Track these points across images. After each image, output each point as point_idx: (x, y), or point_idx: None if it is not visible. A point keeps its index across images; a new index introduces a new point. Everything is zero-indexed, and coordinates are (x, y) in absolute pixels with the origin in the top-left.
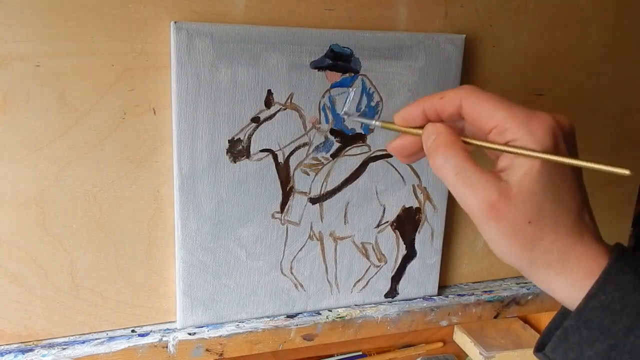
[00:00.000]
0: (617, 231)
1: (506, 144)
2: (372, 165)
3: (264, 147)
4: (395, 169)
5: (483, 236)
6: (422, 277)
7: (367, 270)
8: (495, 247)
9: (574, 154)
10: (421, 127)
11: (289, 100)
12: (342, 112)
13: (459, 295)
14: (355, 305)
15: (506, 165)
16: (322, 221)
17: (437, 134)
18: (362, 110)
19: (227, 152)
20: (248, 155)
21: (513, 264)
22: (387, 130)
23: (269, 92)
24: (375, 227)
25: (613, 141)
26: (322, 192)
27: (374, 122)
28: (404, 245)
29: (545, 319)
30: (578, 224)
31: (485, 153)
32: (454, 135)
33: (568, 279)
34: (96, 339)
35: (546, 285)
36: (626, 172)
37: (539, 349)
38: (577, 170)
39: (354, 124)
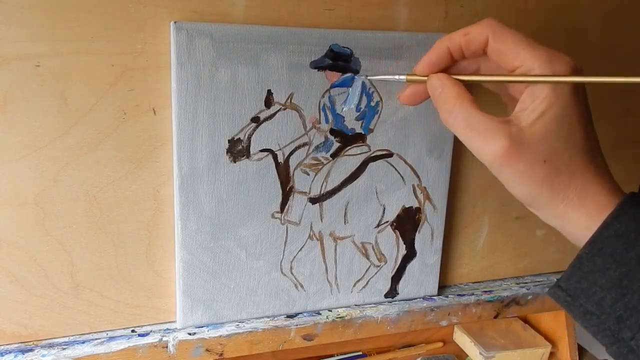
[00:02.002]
0: None
1: (525, 74)
2: (372, 165)
3: (264, 147)
4: (395, 169)
5: (500, 180)
6: (422, 277)
7: (367, 270)
8: (512, 189)
9: (584, 93)
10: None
11: (289, 100)
12: (364, 76)
13: (459, 295)
14: (355, 305)
15: (521, 108)
16: (322, 221)
17: (442, 87)
18: (362, 110)
19: (227, 152)
20: (248, 155)
21: (532, 203)
22: (383, 126)
23: (269, 92)
24: (375, 227)
25: (613, 141)
26: (322, 192)
27: (396, 77)
28: (404, 245)
29: (545, 319)
30: (592, 162)
31: (500, 95)
32: (459, 85)
33: (584, 214)
34: (96, 339)
35: (563, 221)
36: None
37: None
38: (588, 113)
39: (353, 124)
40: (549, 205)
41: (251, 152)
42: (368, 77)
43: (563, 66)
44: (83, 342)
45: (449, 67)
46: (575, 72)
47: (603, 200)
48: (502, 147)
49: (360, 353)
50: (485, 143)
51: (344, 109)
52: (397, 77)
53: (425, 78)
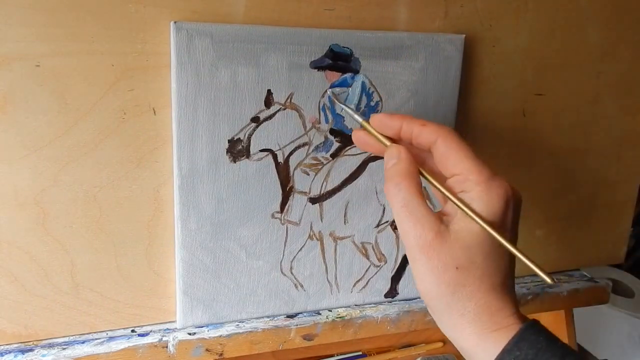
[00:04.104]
0: (617, 231)
1: (460, 193)
2: (372, 165)
3: (264, 147)
4: None
5: (412, 269)
6: None
7: (367, 270)
8: (419, 281)
9: (516, 223)
10: (392, 140)
11: (289, 100)
12: (330, 92)
13: None
14: (355, 305)
15: (451, 211)
16: (322, 221)
17: (399, 160)
18: (361, 110)
19: (227, 152)
20: (248, 155)
21: (430, 303)
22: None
23: (269, 92)
24: (375, 227)
25: (613, 141)
26: (322, 192)
27: (357, 116)
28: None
29: (544, 319)
30: (502, 283)
31: (434, 192)
32: (414, 165)
33: (477, 329)
34: (96, 339)
35: (454, 331)
36: (548, 280)
37: None
38: (515, 235)
39: (354, 123)
40: (446, 312)
41: (251, 152)
42: (338, 103)
43: (497, 189)
44: (83, 342)
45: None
46: (508, 199)
47: (500, 321)
48: (426, 238)
49: (360, 353)
50: (414, 227)
51: (343, 109)
52: (357, 117)
53: (378, 135)
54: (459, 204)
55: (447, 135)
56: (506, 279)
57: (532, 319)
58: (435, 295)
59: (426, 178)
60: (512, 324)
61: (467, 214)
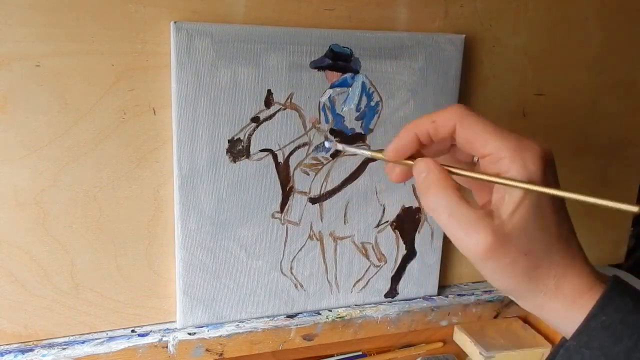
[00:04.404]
0: (617, 231)
1: (498, 175)
2: (371, 165)
3: (264, 147)
4: None
5: (480, 271)
6: (422, 277)
7: (367, 270)
8: (494, 281)
9: (556, 182)
10: (413, 158)
11: (289, 100)
12: (333, 144)
13: (459, 295)
14: (355, 305)
15: (498, 198)
16: (322, 221)
17: (428, 171)
18: (361, 110)
19: (227, 152)
20: (248, 155)
21: (511, 294)
22: (383, 126)
23: (269, 92)
24: (375, 227)
25: (613, 141)
26: (322, 192)
27: (369, 153)
28: (404, 245)
29: None
30: (567, 249)
31: (465, 182)
32: (445, 172)
33: (562, 302)
34: (96, 339)
35: (542, 310)
36: (634, 209)
37: None
38: (561, 198)
39: (353, 123)
40: (529, 296)
41: (251, 152)
42: (344, 148)
43: (533, 155)
44: (83, 342)
45: (418, 150)
46: (544, 161)
47: (581, 287)
48: (486, 243)
49: (360, 353)
50: (468, 236)
51: (343, 109)
52: (369, 154)
53: (403, 162)
54: (503, 181)
55: (463, 119)
56: (569, 239)
57: (614, 276)
58: (514, 287)
59: (460, 174)
60: (594, 288)
61: (517, 186)
